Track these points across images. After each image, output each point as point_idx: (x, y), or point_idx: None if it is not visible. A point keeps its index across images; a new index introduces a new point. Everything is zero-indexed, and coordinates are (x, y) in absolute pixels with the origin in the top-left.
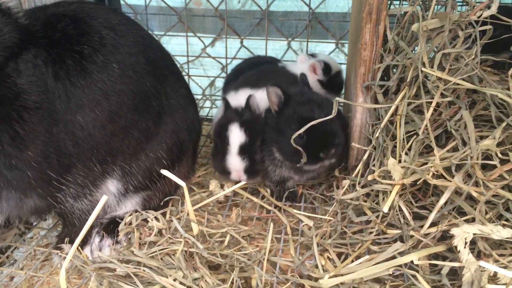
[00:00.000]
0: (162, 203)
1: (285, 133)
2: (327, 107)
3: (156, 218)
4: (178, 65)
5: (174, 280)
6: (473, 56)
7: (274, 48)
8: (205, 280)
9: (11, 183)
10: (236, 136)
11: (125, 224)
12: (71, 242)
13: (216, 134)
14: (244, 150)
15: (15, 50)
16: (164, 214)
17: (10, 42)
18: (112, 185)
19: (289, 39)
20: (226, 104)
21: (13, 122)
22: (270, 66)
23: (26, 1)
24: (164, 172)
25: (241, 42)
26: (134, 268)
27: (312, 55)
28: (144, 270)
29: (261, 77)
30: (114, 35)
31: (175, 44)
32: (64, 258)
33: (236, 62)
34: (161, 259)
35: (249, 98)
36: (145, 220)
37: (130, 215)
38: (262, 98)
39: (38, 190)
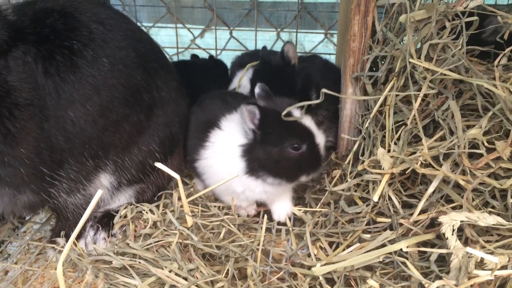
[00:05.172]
0: (156, 197)
1: None
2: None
3: (150, 210)
4: (168, 57)
5: (170, 271)
6: (459, 47)
7: (264, 38)
8: (200, 271)
9: (5, 180)
10: (316, 130)
11: (120, 216)
12: (66, 236)
13: (300, 139)
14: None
15: (4, 47)
16: (158, 207)
17: None
18: (105, 179)
19: (278, 29)
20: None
21: (4, 120)
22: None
23: None
24: (158, 164)
25: (231, 33)
26: (130, 260)
27: None
28: (139, 262)
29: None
30: (103, 29)
31: (164, 36)
32: (59, 251)
33: (225, 53)
34: (157, 251)
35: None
36: (140, 213)
37: (125, 208)
38: None
39: (31, 186)
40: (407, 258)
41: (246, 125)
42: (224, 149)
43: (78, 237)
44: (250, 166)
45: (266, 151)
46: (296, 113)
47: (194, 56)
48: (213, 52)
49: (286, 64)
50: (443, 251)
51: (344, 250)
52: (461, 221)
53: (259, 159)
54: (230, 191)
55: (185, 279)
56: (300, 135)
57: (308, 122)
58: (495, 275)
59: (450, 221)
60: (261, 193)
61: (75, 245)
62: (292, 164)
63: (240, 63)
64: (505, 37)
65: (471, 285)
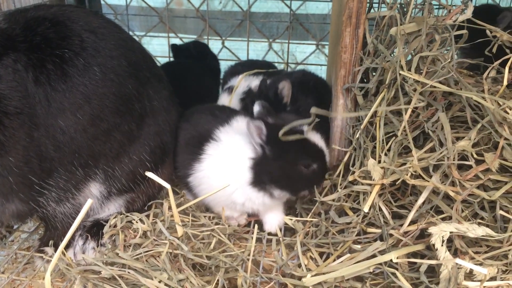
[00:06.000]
0: (146, 207)
1: None
2: None
3: (140, 220)
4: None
5: (159, 281)
6: (449, 60)
7: (256, 49)
8: (190, 281)
9: None
10: (325, 147)
11: (110, 226)
12: (55, 245)
13: (313, 158)
14: None
15: None
16: (148, 216)
17: None
18: (95, 189)
19: (270, 40)
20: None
21: None
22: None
23: (5, 1)
24: (149, 174)
25: (223, 43)
26: (119, 270)
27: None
28: (129, 272)
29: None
30: (95, 38)
31: (156, 45)
32: (47, 261)
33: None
34: (146, 261)
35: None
36: (129, 222)
37: (115, 217)
38: None
39: (20, 195)
40: (397, 269)
41: (253, 140)
42: (224, 160)
43: (67, 247)
44: (258, 178)
45: (278, 166)
46: (303, 130)
47: (174, 46)
48: None
49: (277, 101)
50: (433, 262)
51: (334, 260)
52: (450, 232)
53: (270, 173)
54: (228, 202)
55: None
56: (312, 155)
57: (317, 139)
58: (484, 286)
59: (439, 232)
60: (260, 204)
61: (64, 254)
62: (302, 179)
63: (232, 72)
64: (494, 50)
65: None
